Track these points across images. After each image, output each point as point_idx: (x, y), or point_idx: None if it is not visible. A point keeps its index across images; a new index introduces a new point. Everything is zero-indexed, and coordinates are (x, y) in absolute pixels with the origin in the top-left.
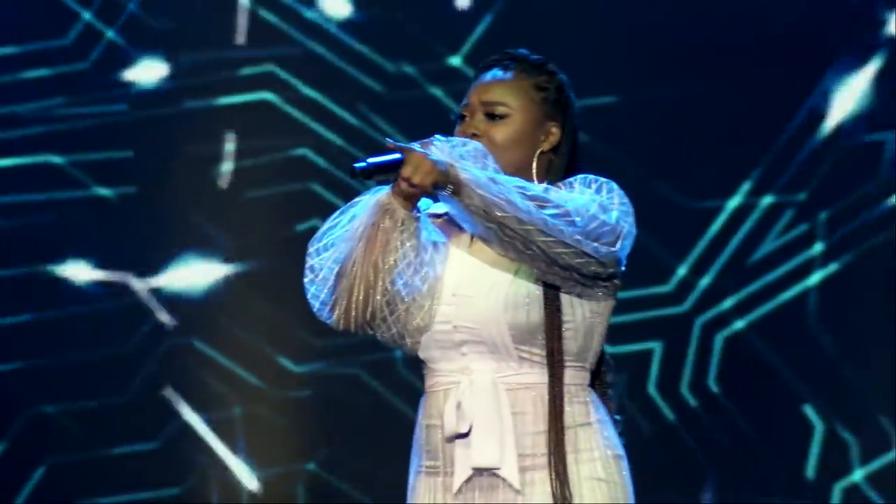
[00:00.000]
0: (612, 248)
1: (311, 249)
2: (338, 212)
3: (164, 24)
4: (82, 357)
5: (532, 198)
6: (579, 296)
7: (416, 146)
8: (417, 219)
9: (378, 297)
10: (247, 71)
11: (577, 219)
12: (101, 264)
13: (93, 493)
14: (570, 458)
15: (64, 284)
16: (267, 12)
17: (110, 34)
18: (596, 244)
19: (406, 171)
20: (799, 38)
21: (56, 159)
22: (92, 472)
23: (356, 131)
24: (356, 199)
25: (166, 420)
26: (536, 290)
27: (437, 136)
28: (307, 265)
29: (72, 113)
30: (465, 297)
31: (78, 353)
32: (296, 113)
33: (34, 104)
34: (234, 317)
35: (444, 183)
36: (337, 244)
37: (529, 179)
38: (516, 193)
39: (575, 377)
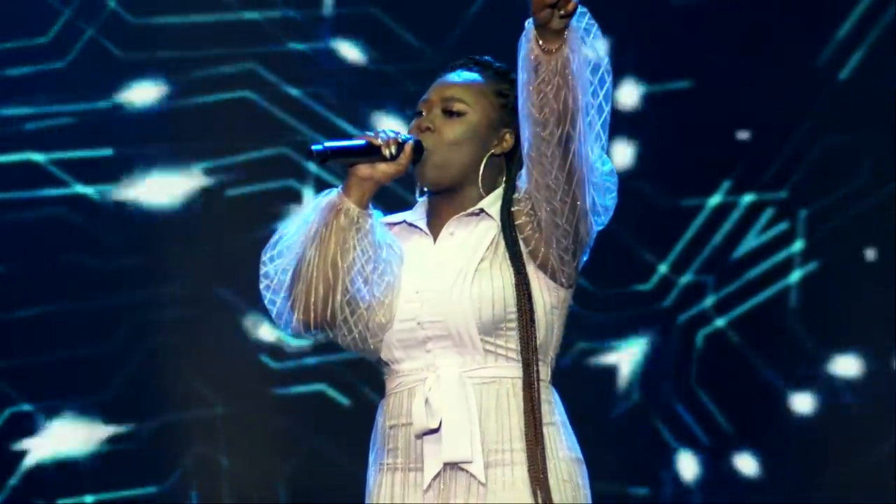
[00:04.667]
0: (609, 207)
1: (264, 257)
2: (289, 219)
3: (144, 21)
4: (63, 355)
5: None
6: (545, 270)
7: (369, 133)
8: (370, 216)
9: (338, 297)
10: (227, 69)
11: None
12: (81, 263)
13: (73, 492)
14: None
15: (44, 282)
16: (248, 10)
17: (90, 32)
18: (607, 192)
19: None
20: (778, 36)
21: (36, 157)
22: (72, 471)
23: (336, 129)
24: (305, 205)
25: (146, 418)
26: (503, 282)
27: (385, 129)
28: (261, 272)
29: (52, 111)
30: (430, 293)
31: (58, 351)
32: (276, 111)
33: (13, 101)
34: (214, 315)
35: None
36: (290, 249)
37: (475, 180)
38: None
39: (538, 372)
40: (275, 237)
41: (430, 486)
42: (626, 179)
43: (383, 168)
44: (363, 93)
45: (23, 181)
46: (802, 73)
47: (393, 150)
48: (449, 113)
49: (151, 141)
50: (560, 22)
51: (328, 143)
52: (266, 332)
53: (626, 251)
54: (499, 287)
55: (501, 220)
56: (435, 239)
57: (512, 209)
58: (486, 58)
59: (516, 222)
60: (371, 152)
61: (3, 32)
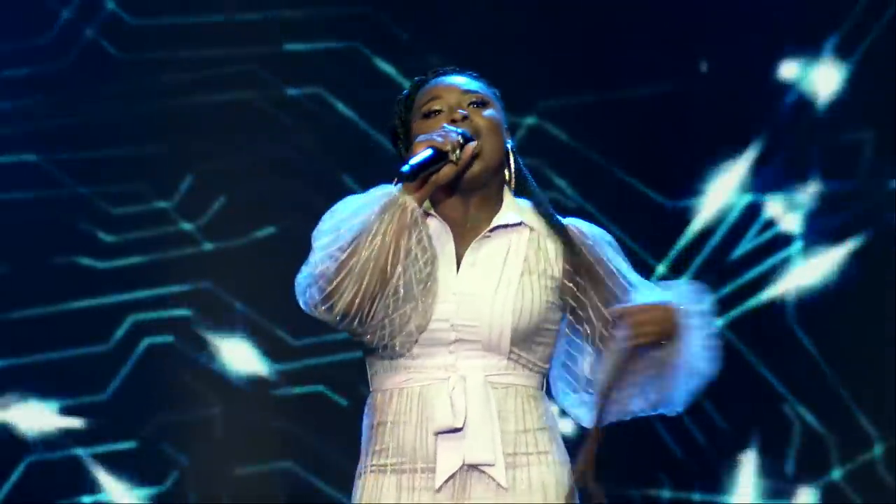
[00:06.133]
0: None
1: (315, 244)
2: (340, 203)
3: (143, 22)
4: (61, 355)
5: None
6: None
7: (435, 137)
8: (426, 216)
9: (387, 295)
10: (227, 70)
11: None
12: (79, 263)
13: (72, 492)
14: (544, 459)
15: (42, 283)
16: (248, 11)
17: (89, 32)
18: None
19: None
20: (779, 35)
21: (35, 158)
22: (71, 471)
23: (337, 131)
24: (366, 193)
25: (145, 418)
26: (540, 295)
27: (445, 125)
28: (310, 258)
29: (51, 112)
30: (468, 296)
31: (57, 351)
32: (276, 112)
33: (13, 103)
34: (212, 315)
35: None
36: (343, 238)
37: (501, 173)
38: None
39: (541, 382)
40: (325, 223)
41: (441, 486)
42: (624, 179)
43: (446, 171)
44: (363, 94)
45: (21, 182)
46: (803, 72)
47: (458, 154)
48: (477, 104)
49: (150, 142)
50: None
51: (411, 162)
52: (265, 333)
53: (624, 251)
54: (537, 299)
55: (560, 235)
56: (459, 238)
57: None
58: (469, 71)
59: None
60: (440, 158)
61: (2, 33)
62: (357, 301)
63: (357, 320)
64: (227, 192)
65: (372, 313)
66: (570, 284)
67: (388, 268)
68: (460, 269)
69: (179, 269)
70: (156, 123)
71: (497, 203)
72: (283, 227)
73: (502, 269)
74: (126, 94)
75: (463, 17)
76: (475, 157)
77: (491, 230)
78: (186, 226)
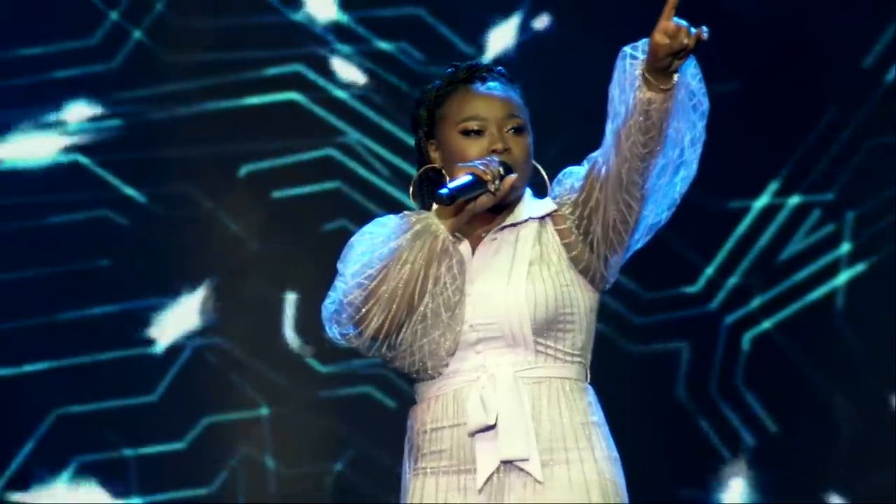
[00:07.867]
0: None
1: (343, 270)
2: (371, 226)
3: (191, 23)
4: (110, 357)
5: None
6: (585, 274)
7: (478, 165)
8: (457, 242)
9: (415, 320)
10: (273, 71)
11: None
12: (128, 265)
13: (121, 493)
14: (586, 455)
15: (91, 284)
16: (294, 12)
17: (137, 34)
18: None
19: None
20: (826, 38)
21: (83, 160)
22: (119, 472)
23: (383, 132)
24: (395, 217)
25: (194, 420)
26: (553, 283)
27: (494, 156)
28: (337, 284)
29: (99, 113)
30: (482, 295)
31: (105, 353)
32: (323, 113)
33: (61, 104)
34: (260, 316)
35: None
36: (374, 263)
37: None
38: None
39: (580, 373)
40: (355, 249)
41: (482, 486)
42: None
43: (483, 200)
44: (409, 95)
45: (70, 183)
46: (849, 75)
47: (497, 185)
48: (516, 130)
49: (198, 143)
50: (678, 63)
51: (451, 186)
52: (314, 335)
53: (673, 253)
54: (550, 287)
55: None
56: (471, 242)
57: (553, 214)
58: (500, 67)
59: (557, 227)
60: (479, 186)
61: (51, 35)
62: (385, 328)
63: (385, 346)
64: (274, 192)
65: (400, 339)
66: (579, 233)
67: (416, 295)
68: (472, 271)
69: (227, 270)
70: (203, 125)
71: (512, 209)
72: (332, 227)
73: (511, 264)
74: (173, 95)
75: (510, 21)
76: (512, 188)
77: (498, 230)
78: (233, 226)
